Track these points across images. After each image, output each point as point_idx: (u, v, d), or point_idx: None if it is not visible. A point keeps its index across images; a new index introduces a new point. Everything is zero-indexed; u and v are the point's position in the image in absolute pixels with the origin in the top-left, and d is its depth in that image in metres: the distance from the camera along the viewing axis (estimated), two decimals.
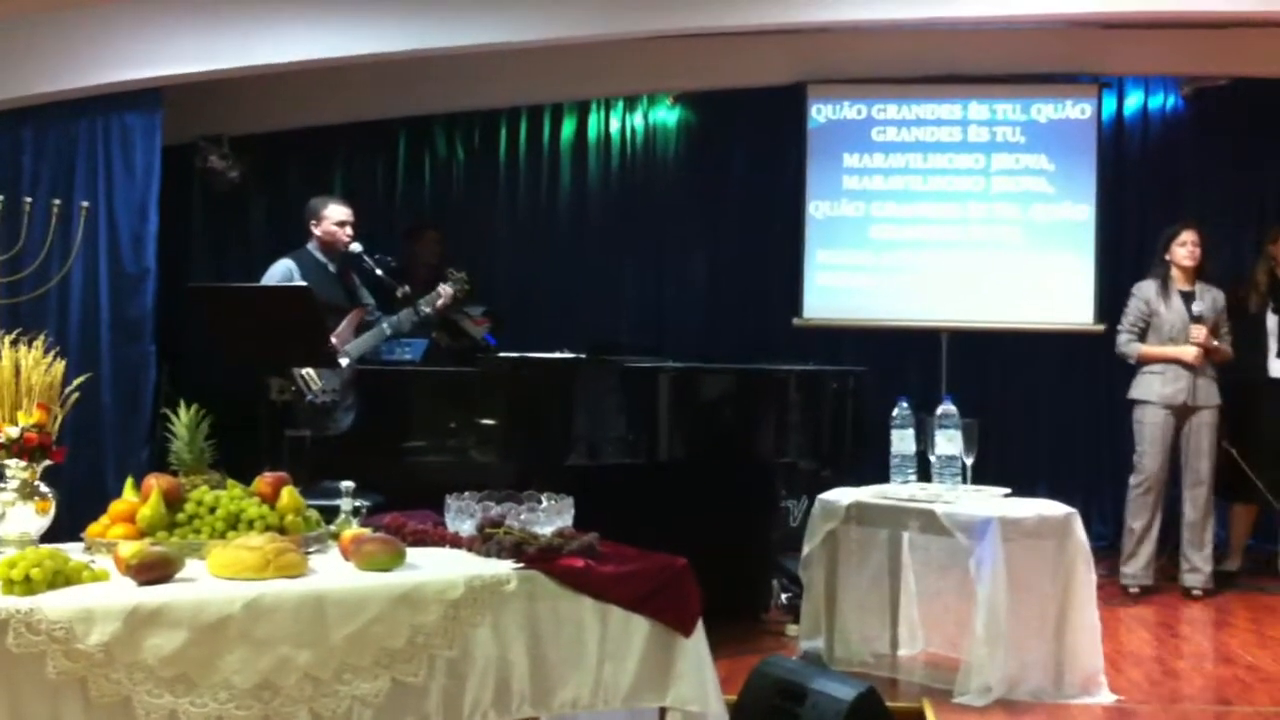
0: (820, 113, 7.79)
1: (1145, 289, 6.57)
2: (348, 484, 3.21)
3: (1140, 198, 7.88)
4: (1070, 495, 5.12)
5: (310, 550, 2.91)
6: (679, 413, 5.14)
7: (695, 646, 2.98)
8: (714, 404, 5.36)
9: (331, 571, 2.78)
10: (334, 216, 5.84)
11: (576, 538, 3.02)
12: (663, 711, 3.03)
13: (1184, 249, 6.50)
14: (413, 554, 2.88)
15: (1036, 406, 7.86)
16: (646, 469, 5.01)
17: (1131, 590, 6.39)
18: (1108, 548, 6.93)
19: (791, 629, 5.27)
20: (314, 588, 2.62)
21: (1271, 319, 6.75)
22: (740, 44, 7.48)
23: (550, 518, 3.14)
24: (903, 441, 4.88)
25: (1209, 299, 6.48)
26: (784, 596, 5.69)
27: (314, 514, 3.10)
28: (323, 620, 2.57)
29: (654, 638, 2.94)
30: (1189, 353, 6.36)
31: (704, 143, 8.34)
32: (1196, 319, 6.39)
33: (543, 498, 3.21)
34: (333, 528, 3.10)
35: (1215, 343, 6.43)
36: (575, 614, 2.87)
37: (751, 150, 8.21)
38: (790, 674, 3.87)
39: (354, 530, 3.01)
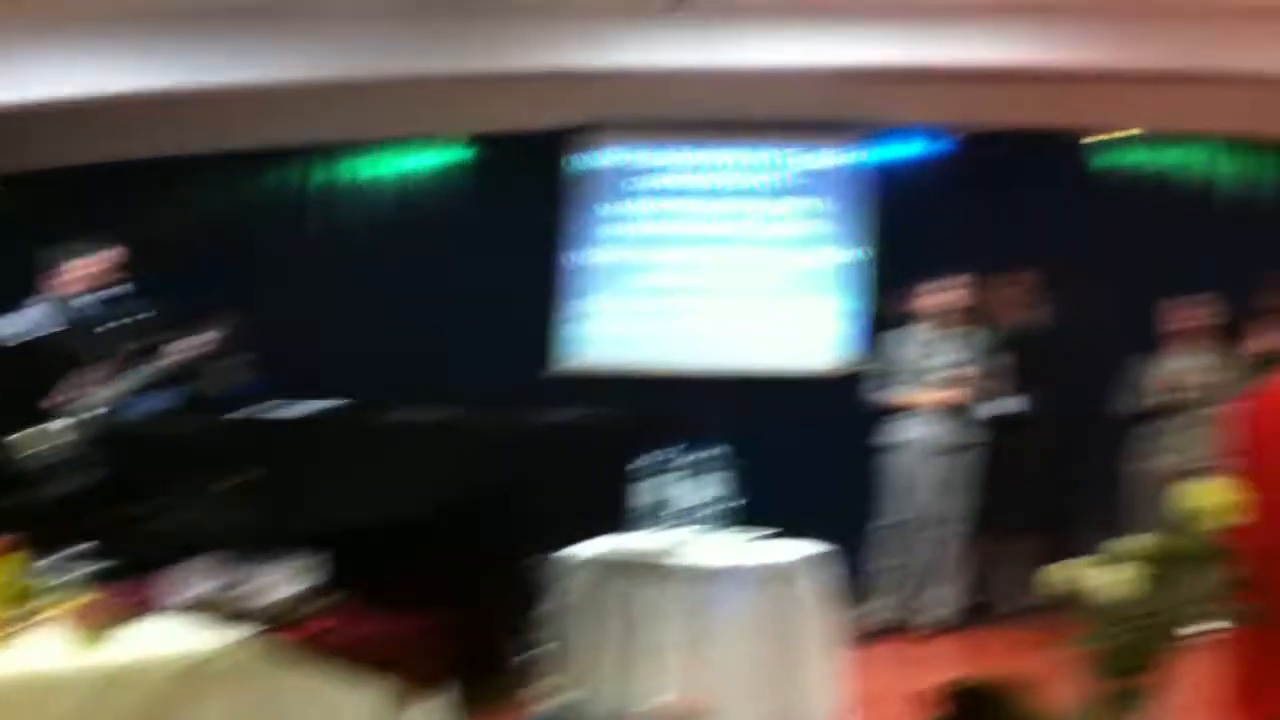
0: (591, 157, 7.84)
1: (909, 333, 6.79)
2: (79, 548, 3.07)
3: (909, 243, 8.10)
4: (825, 537, 5.23)
5: (19, 625, 2.75)
6: (431, 465, 5.05)
7: (442, 708, 2.95)
8: (471, 455, 5.30)
9: (43, 648, 2.63)
10: (87, 262, 5.60)
11: (321, 599, 2.95)
12: None
13: (948, 295, 6.73)
14: (131, 627, 2.76)
15: (803, 449, 8.01)
16: (400, 525, 4.91)
17: (880, 628, 6.55)
18: (856, 588, 7.11)
19: (544, 684, 5.22)
20: (14, 669, 2.47)
21: (1004, 358, 7.02)
22: (515, 87, 7.48)
23: (294, 577, 3.07)
24: (659, 488, 4.89)
25: (970, 341, 6.72)
26: (535, 652, 5.62)
27: (35, 583, 2.95)
28: (23, 705, 2.42)
29: (400, 700, 2.89)
30: (946, 397, 6.58)
31: (476, 185, 8.30)
32: (955, 363, 6.61)
33: (287, 557, 3.13)
34: (55, 597, 2.94)
35: (973, 385, 6.65)
36: (316, 680, 2.80)
37: (522, 193, 8.18)
38: None
39: (79, 599, 2.88)
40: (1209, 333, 7.03)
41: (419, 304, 8.14)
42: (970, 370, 6.61)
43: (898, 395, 6.69)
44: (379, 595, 3.17)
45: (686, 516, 4.80)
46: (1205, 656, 5.68)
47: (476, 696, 4.74)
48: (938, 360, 6.66)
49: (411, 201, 8.36)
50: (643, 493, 4.87)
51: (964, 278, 6.75)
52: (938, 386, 6.63)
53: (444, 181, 8.36)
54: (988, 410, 6.89)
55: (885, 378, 6.75)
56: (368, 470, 4.97)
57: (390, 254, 8.23)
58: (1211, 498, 3.55)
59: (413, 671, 2.94)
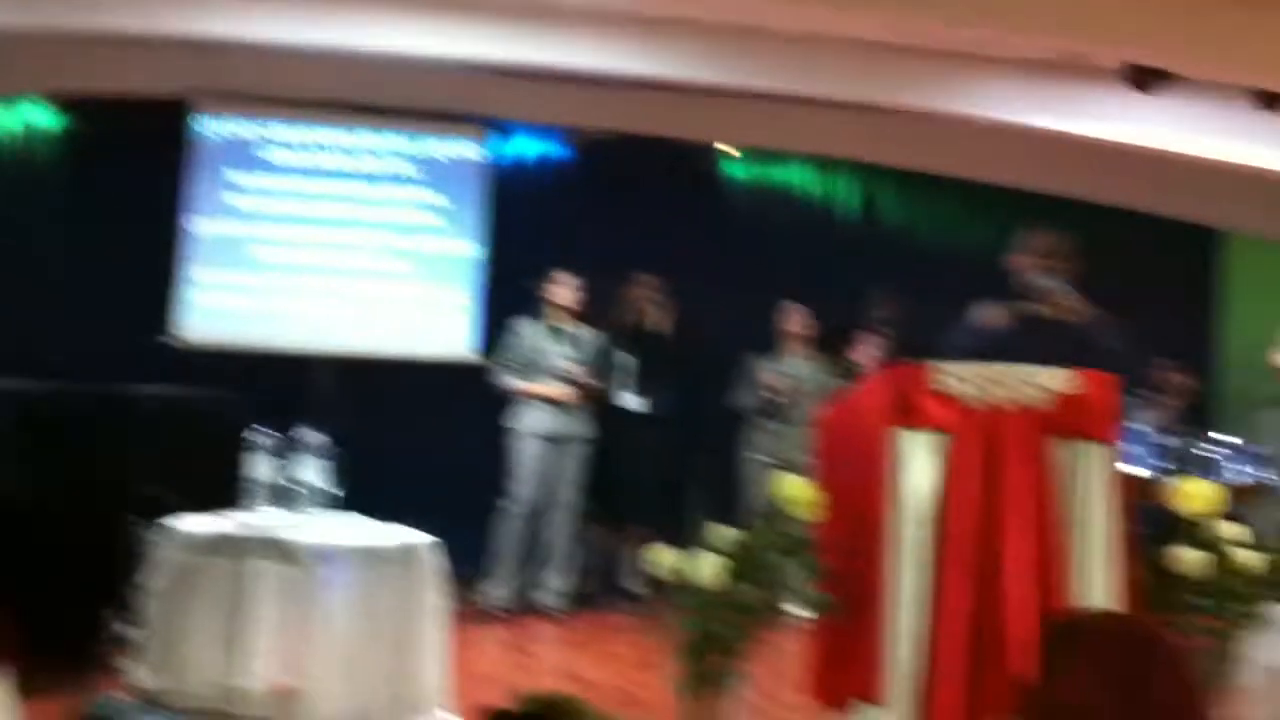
0: (208, 127, 7.48)
1: (525, 327, 6.83)
2: None
3: (525, 239, 8.14)
4: (440, 522, 5.14)
5: None
6: (20, 438, 4.69)
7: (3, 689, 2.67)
8: (55, 427, 4.94)
9: None
10: None
11: None
12: None
13: (564, 291, 6.81)
14: None
15: (414, 435, 7.89)
16: None
17: (493, 612, 6.56)
18: (472, 573, 7.07)
19: (131, 665, 4.91)
20: None
21: (621, 357, 7.18)
22: (127, 49, 7.03)
23: None
24: (260, 468, 4.70)
25: (586, 339, 6.83)
26: (126, 631, 5.30)
27: None
28: None
29: None
30: (562, 391, 6.66)
31: (82, 149, 7.75)
32: (571, 359, 6.71)
33: None
34: None
35: (589, 380, 6.76)
36: None
37: (134, 160, 7.69)
38: (118, 715, 3.61)
39: None
40: (810, 340, 7.39)
41: (18, 271, 7.52)
42: (583, 366, 6.70)
43: (514, 386, 6.72)
44: None
45: (295, 497, 4.61)
46: (792, 641, 5.99)
47: (66, 677, 4.43)
48: (552, 354, 6.72)
49: (12, 161, 7.71)
50: (252, 471, 4.64)
51: (577, 278, 6.84)
52: (552, 380, 6.69)
53: (42, 143, 7.75)
54: (607, 405, 7.01)
55: (502, 368, 6.77)
56: None
57: None
58: (797, 493, 3.69)
59: None
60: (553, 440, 6.71)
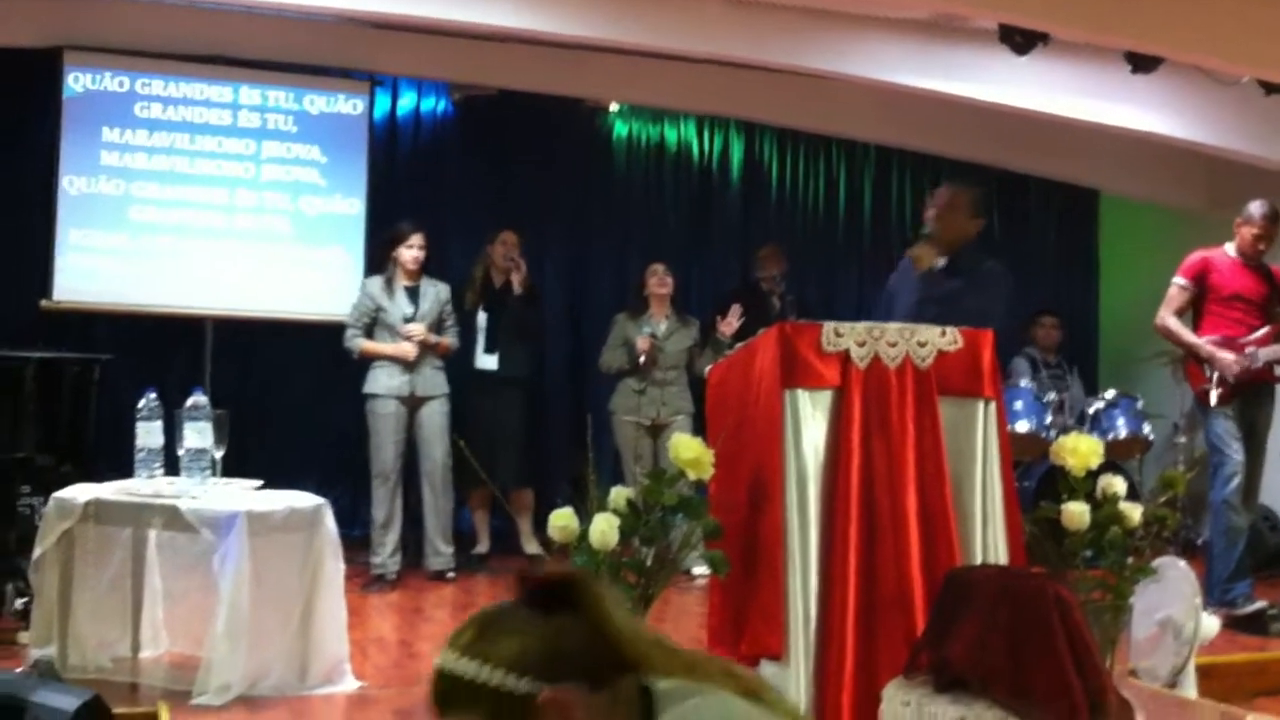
0: (78, 81, 7.25)
1: (372, 285, 6.78)
2: None
3: (411, 196, 8.07)
4: (333, 487, 5.13)
5: None
6: None
7: None
8: None
9: None
10: None
11: None
12: None
13: (409, 252, 6.74)
14: None
15: (301, 398, 7.81)
16: None
17: (384, 577, 6.53)
18: (365, 537, 7.04)
19: (23, 636, 4.84)
20: None
21: (481, 315, 7.16)
22: None
23: None
24: (149, 434, 4.62)
25: (432, 294, 6.78)
26: (19, 602, 5.22)
27: None
28: None
29: None
30: (406, 349, 6.60)
31: None
32: (411, 318, 6.65)
33: None
34: None
35: (435, 337, 6.70)
36: None
37: (1, 115, 7.46)
38: (9, 686, 3.55)
39: None
40: (673, 300, 7.43)
41: None
42: (419, 326, 6.65)
43: (359, 346, 6.67)
44: None
45: (185, 463, 4.55)
46: (692, 599, 6.10)
47: None
48: (395, 313, 6.68)
49: None
50: (141, 437, 4.57)
51: (420, 236, 6.78)
52: (396, 338, 6.64)
53: None
54: (468, 365, 7.00)
55: (349, 329, 6.71)
56: None
57: None
58: (690, 453, 3.75)
59: None
60: (408, 400, 6.65)
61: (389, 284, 6.73)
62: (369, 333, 6.71)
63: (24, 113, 7.40)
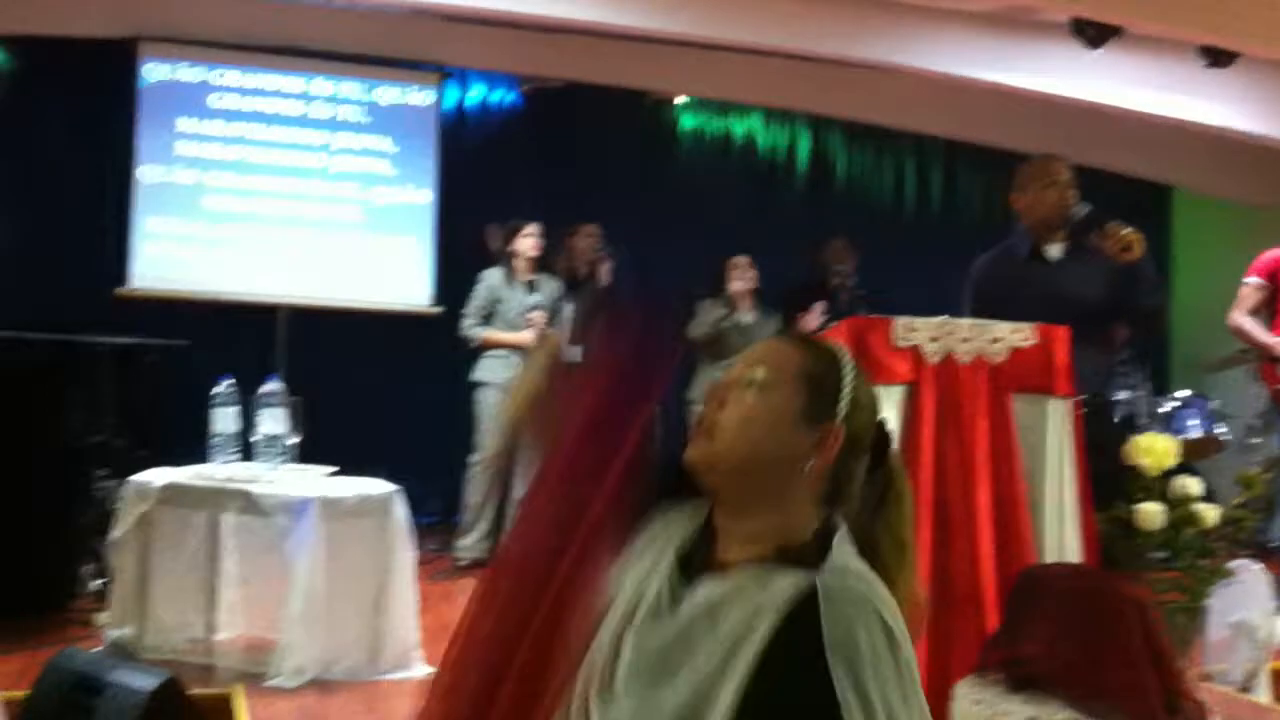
0: (153, 72, 7.37)
1: (490, 277, 6.81)
2: None
3: (479, 187, 8.13)
4: (406, 473, 5.17)
5: None
6: None
7: None
8: (12, 378, 4.90)
9: None
10: None
11: None
12: None
13: (528, 241, 6.80)
14: None
15: (374, 386, 7.89)
16: None
17: (463, 563, 6.61)
18: (440, 524, 7.11)
19: (101, 617, 4.93)
20: None
21: (567, 307, 7.17)
22: None
23: None
24: (225, 420, 4.70)
25: (549, 288, 6.83)
26: (96, 583, 5.32)
27: None
28: None
29: None
30: (526, 337, 6.66)
31: (23, 93, 7.57)
32: (535, 307, 6.71)
33: None
34: None
35: (549, 330, 6.75)
36: None
37: (75, 106, 7.57)
38: (88, 665, 3.60)
39: None
40: (757, 294, 7.41)
41: None
42: (541, 315, 6.70)
43: (479, 335, 6.72)
44: None
45: (260, 448, 4.62)
46: None
47: (35, 630, 4.45)
48: (515, 304, 6.73)
49: None
50: (217, 423, 4.65)
51: (536, 225, 6.82)
52: (512, 328, 6.69)
53: None
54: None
55: (467, 320, 6.76)
56: None
57: None
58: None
59: None
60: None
61: (508, 277, 6.77)
62: (486, 323, 6.76)
63: (100, 103, 7.52)
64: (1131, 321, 4.39)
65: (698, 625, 1.54)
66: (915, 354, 3.89)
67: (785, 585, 1.52)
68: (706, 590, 1.57)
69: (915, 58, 7.18)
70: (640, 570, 1.65)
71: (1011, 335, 3.96)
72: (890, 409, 3.87)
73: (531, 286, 6.80)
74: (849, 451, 1.66)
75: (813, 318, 7.06)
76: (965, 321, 3.99)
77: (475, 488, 6.71)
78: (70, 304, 7.06)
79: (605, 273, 7.16)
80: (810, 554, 1.57)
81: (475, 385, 6.76)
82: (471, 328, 6.76)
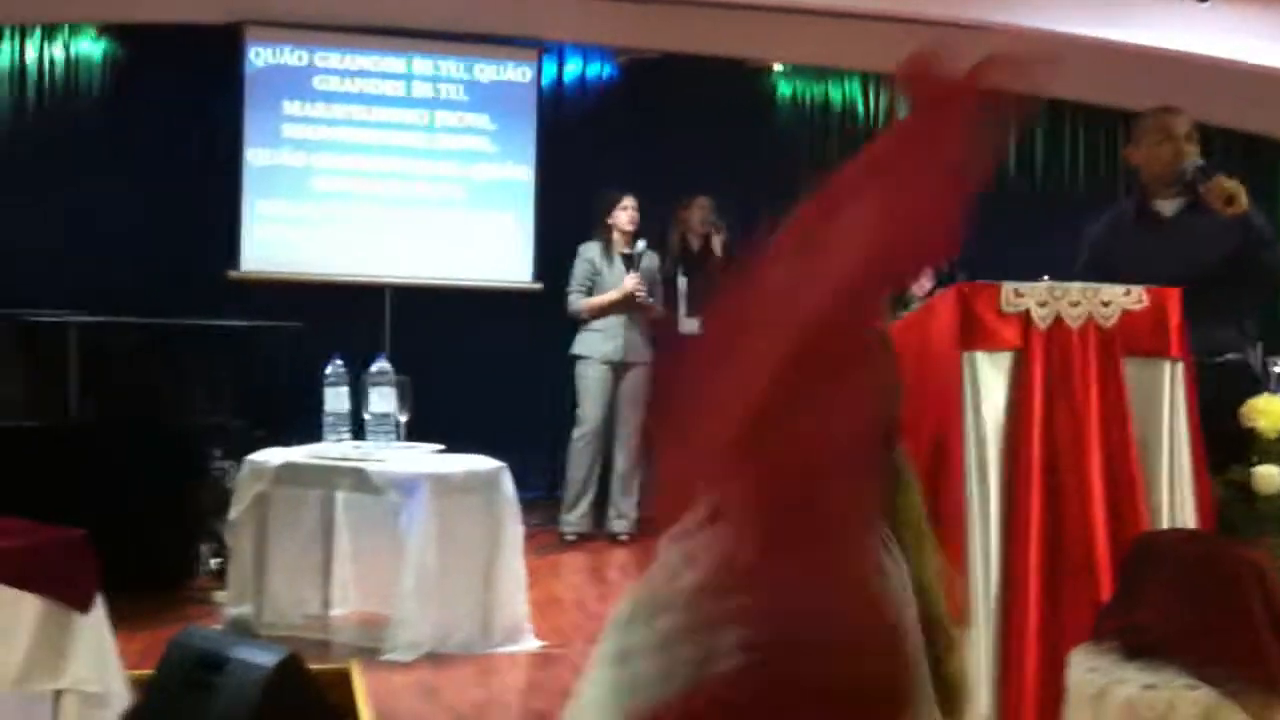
0: (259, 56, 7.50)
1: (589, 250, 6.85)
2: None
3: (578, 161, 8.15)
4: (510, 449, 5.23)
5: None
6: (90, 370, 4.78)
7: (93, 623, 2.78)
8: (131, 361, 5.04)
9: None
10: None
11: None
12: (58, 694, 2.80)
13: (625, 214, 6.83)
14: None
15: (478, 362, 7.97)
16: (51, 432, 4.63)
17: (568, 538, 6.69)
18: (543, 498, 7.18)
19: (220, 595, 5.06)
20: None
21: (681, 281, 7.21)
22: None
23: None
24: (337, 399, 4.79)
25: (647, 260, 6.86)
26: (213, 562, 5.46)
27: None
28: None
29: (46, 616, 2.72)
30: (627, 285, 6.66)
31: (132, 80, 7.76)
32: (630, 281, 6.73)
33: None
34: None
35: (646, 295, 6.77)
36: None
37: (184, 91, 7.72)
38: (209, 643, 3.68)
39: None
40: None
41: (71, 201, 7.57)
42: (635, 278, 6.71)
43: (582, 305, 6.76)
44: (34, 505, 2.96)
45: (371, 426, 4.71)
46: None
47: (154, 609, 4.59)
48: (610, 276, 6.76)
49: (59, 93, 7.73)
50: (328, 402, 4.74)
51: (632, 198, 6.83)
52: (612, 303, 6.72)
53: (94, 72, 7.76)
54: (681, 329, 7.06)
55: (571, 294, 6.81)
56: (20, 373, 4.64)
57: (37, 148, 7.61)
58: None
59: (61, 587, 2.75)
60: (615, 364, 6.76)
61: (606, 250, 6.81)
62: (577, 295, 6.84)
63: (207, 89, 7.67)
64: (1249, 279, 4.27)
65: None
66: (1023, 320, 3.83)
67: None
68: None
69: (1016, 15, 7.06)
70: None
71: (1123, 298, 3.89)
72: (998, 377, 3.83)
73: (629, 259, 6.82)
74: (883, 436, 1.65)
75: (924, 283, 6.99)
76: (1074, 285, 3.92)
77: (577, 462, 6.77)
78: (185, 287, 7.24)
79: (718, 244, 7.18)
80: None
81: (575, 359, 6.81)
82: (576, 300, 6.81)
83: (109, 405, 4.86)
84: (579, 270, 6.85)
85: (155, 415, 5.12)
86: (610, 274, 6.77)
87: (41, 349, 4.71)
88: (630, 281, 6.70)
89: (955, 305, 3.87)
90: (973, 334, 3.82)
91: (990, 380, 3.81)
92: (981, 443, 3.74)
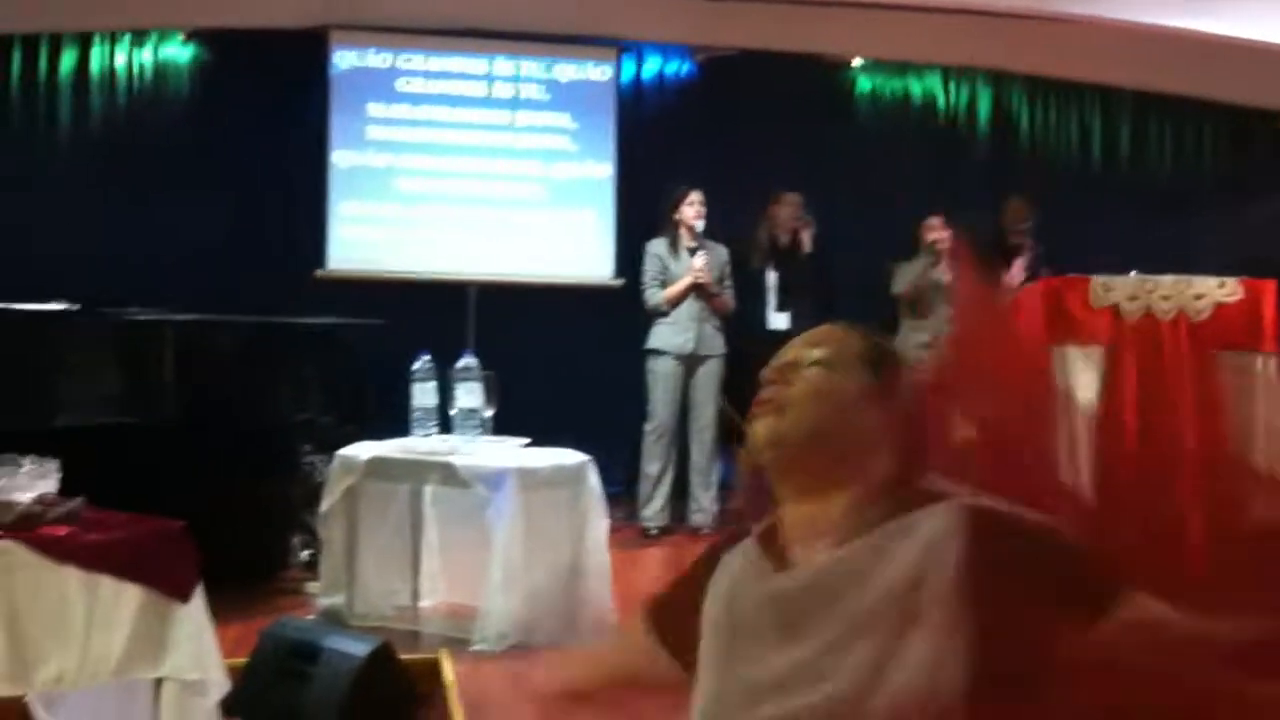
0: (343, 59, 7.61)
1: (657, 246, 6.89)
2: None
3: (657, 158, 8.16)
4: (591, 443, 5.26)
5: None
6: (184, 368, 4.88)
7: (193, 613, 2.85)
8: (224, 359, 5.14)
9: None
10: None
11: (59, 504, 2.79)
12: (159, 682, 2.87)
13: (691, 209, 6.85)
14: None
15: (560, 358, 8.02)
16: (148, 428, 4.72)
17: (651, 531, 6.72)
18: (624, 493, 7.20)
19: (311, 586, 5.15)
20: None
21: (770, 275, 7.22)
22: None
23: (32, 482, 2.88)
24: (424, 395, 4.85)
25: (713, 254, 6.87)
26: (304, 554, 5.55)
27: None
28: None
29: (147, 606, 2.78)
30: (697, 265, 6.67)
31: (219, 85, 7.89)
32: (702, 276, 6.74)
33: (24, 461, 2.94)
34: None
35: (716, 286, 6.77)
36: (57, 585, 2.65)
37: (270, 94, 7.84)
38: (303, 633, 3.77)
39: None
40: (951, 251, 7.30)
41: (167, 205, 7.71)
42: (703, 261, 6.72)
43: (657, 301, 6.79)
44: (134, 499, 3.04)
45: (457, 421, 4.77)
46: None
47: (248, 600, 4.68)
48: (678, 271, 6.78)
49: (149, 97, 7.89)
50: (416, 398, 4.81)
51: (698, 193, 6.83)
52: (685, 297, 6.73)
53: (183, 77, 7.92)
54: (742, 323, 7.06)
55: (644, 289, 6.84)
56: (123, 371, 4.75)
57: (128, 153, 7.77)
58: None
59: (161, 577, 2.82)
60: (687, 358, 6.78)
61: (673, 245, 6.84)
62: (650, 290, 6.85)
63: (293, 91, 7.78)
64: None
65: (841, 588, 1.52)
66: (1113, 313, 3.82)
67: (935, 519, 1.51)
68: (828, 563, 1.55)
69: (1101, 7, 6.97)
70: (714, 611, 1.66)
71: (1216, 290, 3.85)
72: (1089, 371, 3.80)
73: (695, 253, 6.82)
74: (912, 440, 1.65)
75: (1015, 274, 6.95)
76: (1166, 279, 3.89)
77: (649, 456, 6.80)
78: (274, 287, 7.35)
79: (807, 239, 7.19)
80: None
81: (647, 353, 6.83)
82: (653, 295, 6.84)
83: (203, 402, 4.95)
84: (650, 266, 6.88)
85: (248, 412, 5.21)
86: (678, 268, 6.80)
87: (138, 348, 4.81)
88: (698, 261, 6.71)
89: (1044, 299, 3.85)
90: (1062, 328, 3.80)
91: (1080, 375, 3.79)
92: (1072, 439, 3.71)
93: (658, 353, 6.81)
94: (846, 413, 1.63)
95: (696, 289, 6.76)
